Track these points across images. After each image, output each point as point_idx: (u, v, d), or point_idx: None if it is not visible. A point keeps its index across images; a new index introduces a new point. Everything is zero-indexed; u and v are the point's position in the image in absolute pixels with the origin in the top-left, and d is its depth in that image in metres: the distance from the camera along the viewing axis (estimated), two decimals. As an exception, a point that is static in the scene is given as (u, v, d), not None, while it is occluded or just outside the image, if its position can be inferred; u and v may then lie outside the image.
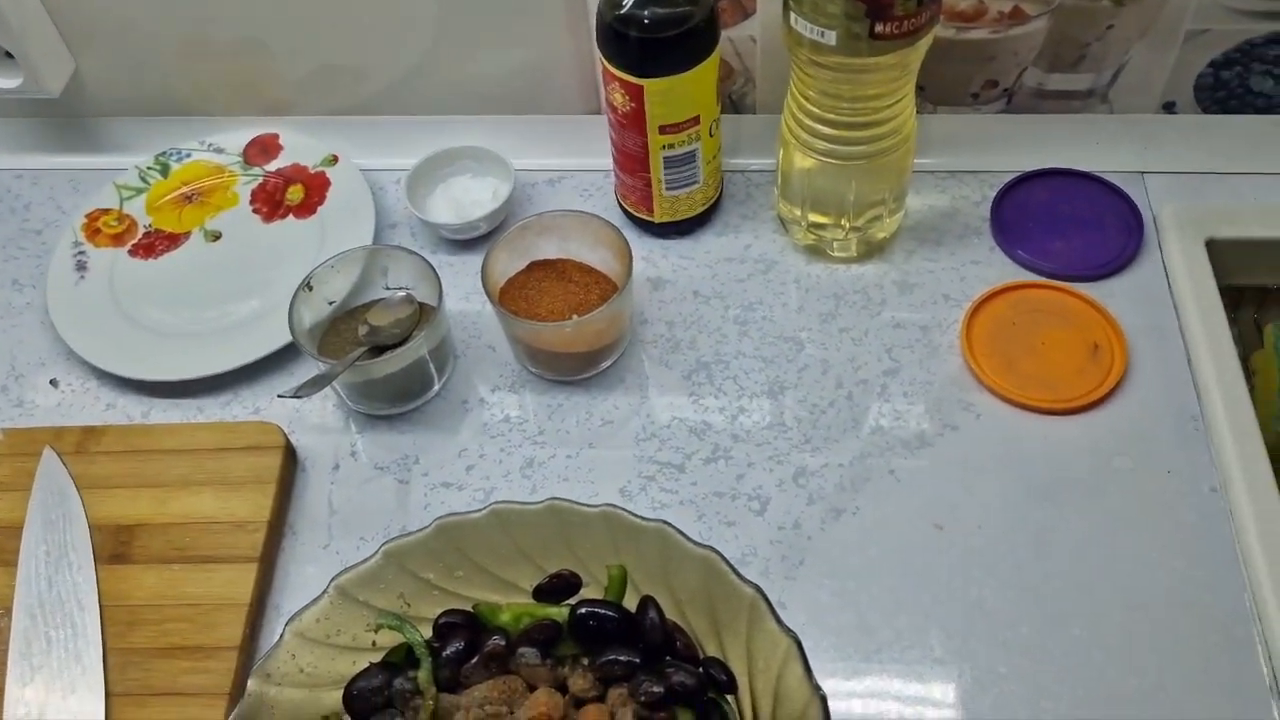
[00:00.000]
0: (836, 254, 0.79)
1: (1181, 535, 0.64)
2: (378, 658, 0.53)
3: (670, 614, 0.52)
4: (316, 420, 0.74)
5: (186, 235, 0.84)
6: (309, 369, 0.74)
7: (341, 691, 0.51)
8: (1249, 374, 0.75)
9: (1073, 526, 0.65)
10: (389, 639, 0.53)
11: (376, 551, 0.53)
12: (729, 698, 0.51)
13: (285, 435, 0.71)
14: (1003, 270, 0.78)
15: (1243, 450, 0.66)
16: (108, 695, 0.60)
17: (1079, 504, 0.66)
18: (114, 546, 0.66)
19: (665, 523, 0.51)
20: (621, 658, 0.50)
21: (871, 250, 0.79)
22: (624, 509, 0.52)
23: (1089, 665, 0.60)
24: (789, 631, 0.48)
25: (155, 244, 0.84)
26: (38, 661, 0.61)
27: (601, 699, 0.50)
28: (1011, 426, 0.70)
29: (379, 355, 0.70)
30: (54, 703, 0.59)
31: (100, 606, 0.63)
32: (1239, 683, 0.59)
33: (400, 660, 0.53)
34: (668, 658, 0.51)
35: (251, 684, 0.49)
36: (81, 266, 0.82)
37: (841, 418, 0.71)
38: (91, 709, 0.59)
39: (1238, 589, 0.62)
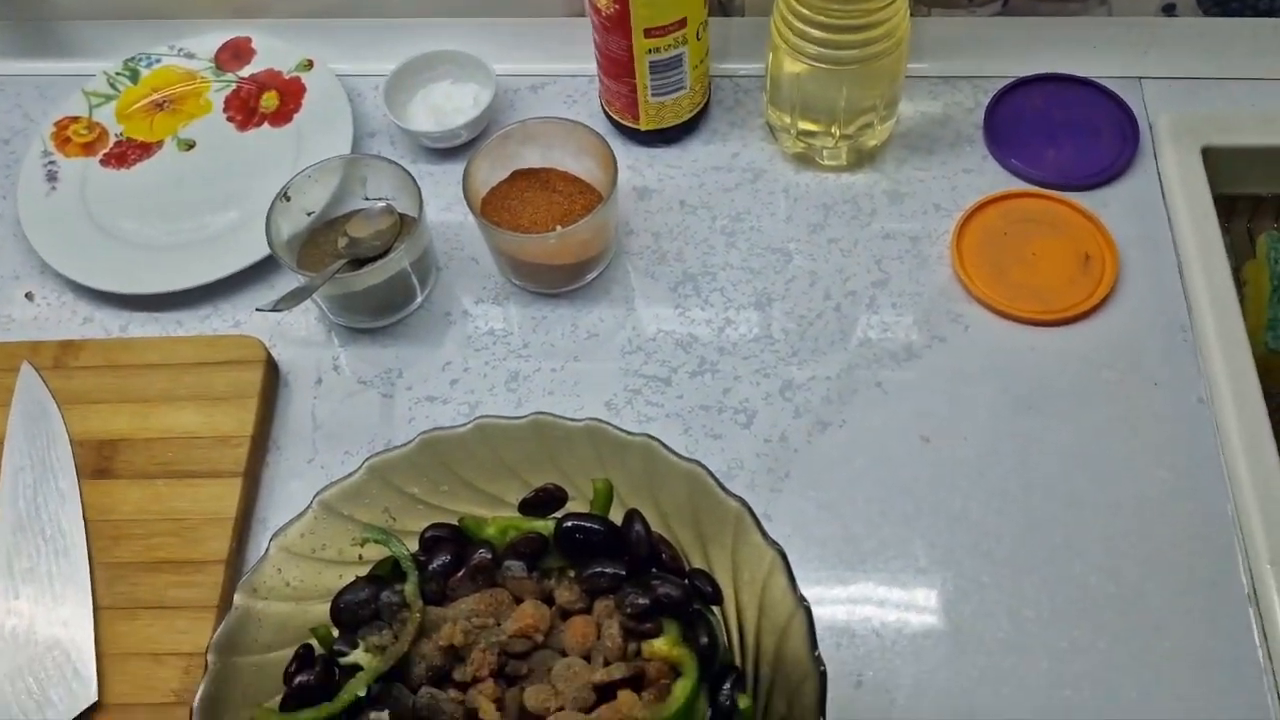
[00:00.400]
0: (826, 162, 0.77)
1: (1167, 446, 0.64)
2: (364, 571, 0.53)
3: (656, 527, 0.52)
4: (298, 334, 0.73)
5: (159, 144, 0.82)
6: (289, 281, 0.73)
7: (329, 605, 0.51)
8: (1239, 284, 0.75)
9: (1058, 438, 0.65)
10: (375, 553, 0.53)
11: (360, 466, 0.52)
12: (714, 609, 0.52)
13: (266, 349, 0.70)
14: (995, 179, 0.76)
15: (1230, 361, 0.66)
16: (96, 608, 0.60)
17: (1065, 415, 0.66)
18: (96, 461, 0.66)
19: (650, 437, 0.51)
20: (607, 570, 0.50)
21: (862, 159, 0.77)
22: (609, 423, 0.52)
23: (1070, 574, 0.60)
24: (774, 544, 0.48)
25: (127, 153, 0.81)
26: (24, 575, 0.61)
27: (588, 611, 0.51)
28: (1000, 338, 0.69)
29: (359, 268, 0.69)
30: (43, 614, 0.60)
31: (85, 521, 0.63)
32: (1218, 590, 0.59)
33: (387, 574, 0.53)
34: (653, 570, 0.51)
35: (238, 598, 0.49)
36: (52, 177, 0.80)
37: (829, 330, 0.70)
38: (80, 620, 0.60)
39: (1220, 499, 0.62)
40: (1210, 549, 0.61)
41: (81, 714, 0.57)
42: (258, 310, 0.68)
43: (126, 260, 0.75)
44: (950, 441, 0.65)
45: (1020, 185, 0.76)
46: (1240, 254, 0.82)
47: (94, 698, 0.57)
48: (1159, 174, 0.75)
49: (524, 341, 0.71)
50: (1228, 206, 0.80)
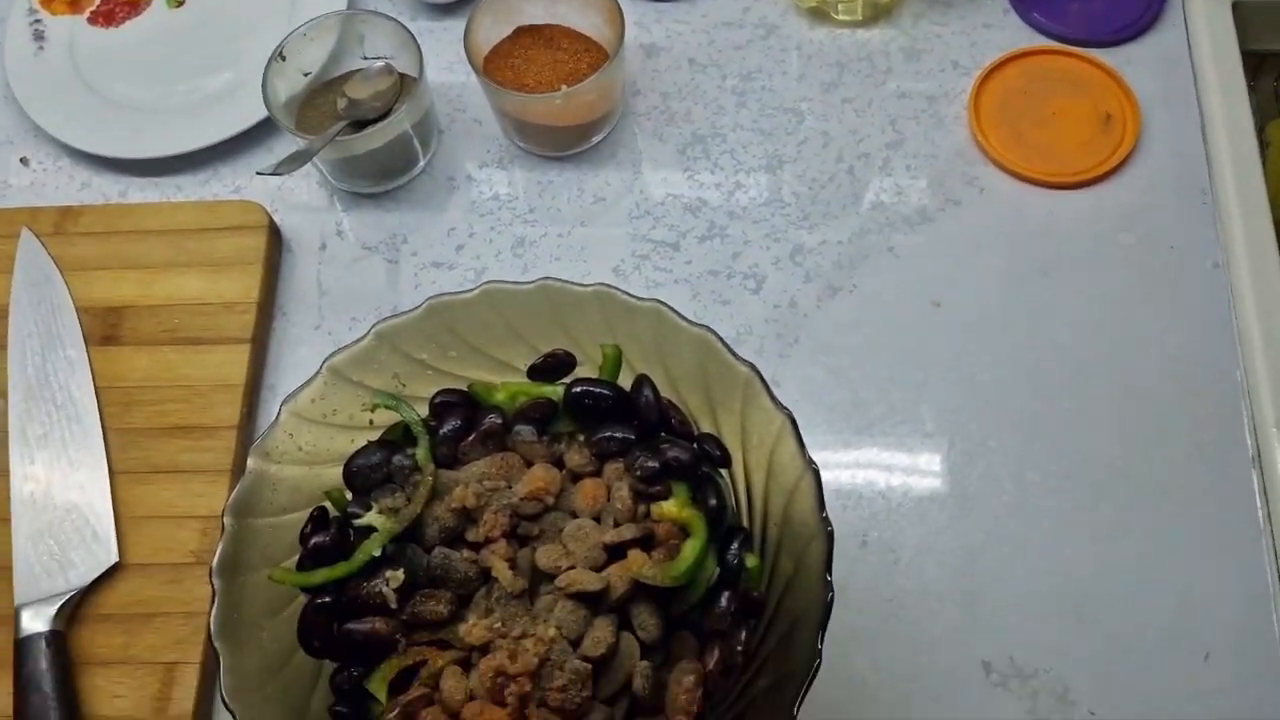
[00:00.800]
0: (841, 17, 0.74)
1: (1179, 311, 0.64)
2: (376, 436, 0.53)
3: (665, 392, 0.52)
4: (300, 199, 0.72)
5: (148, 1, 0.79)
6: (288, 145, 0.71)
7: (341, 469, 0.52)
8: (1263, 145, 0.73)
9: (1070, 303, 0.65)
10: (386, 418, 0.53)
11: (368, 332, 0.52)
12: (723, 472, 0.52)
13: (269, 215, 0.69)
14: (1016, 35, 0.73)
15: (1249, 225, 0.65)
16: (111, 473, 0.61)
17: (1079, 281, 0.65)
18: (103, 329, 0.66)
19: (660, 302, 0.50)
20: (617, 434, 0.51)
21: (878, 13, 0.74)
22: (618, 288, 0.51)
23: (1076, 439, 0.61)
24: (783, 408, 0.48)
25: (115, 11, 0.78)
26: (38, 441, 0.62)
27: (598, 474, 0.51)
28: (1015, 201, 0.68)
29: (359, 130, 0.67)
30: (59, 478, 0.61)
31: (95, 388, 0.63)
32: (1222, 454, 0.60)
33: (398, 438, 0.53)
34: (662, 434, 0.52)
35: (251, 462, 0.50)
36: (39, 36, 0.77)
37: (841, 193, 0.69)
38: (97, 484, 0.60)
39: (1230, 365, 0.62)
40: (1217, 413, 0.61)
41: (103, 575, 0.58)
42: (258, 174, 0.67)
43: (121, 124, 0.73)
44: (961, 307, 0.65)
45: (1042, 41, 0.73)
46: (1265, 113, 0.80)
47: (114, 559, 0.59)
48: (1186, 27, 0.72)
49: (529, 206, 0.70)
50: (1254, 63, 0.77)
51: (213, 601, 0.46)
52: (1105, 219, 0.67)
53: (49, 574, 0.58)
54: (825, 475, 0.58)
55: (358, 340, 0.52)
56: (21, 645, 0.55)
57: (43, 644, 0.55)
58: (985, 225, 0.67)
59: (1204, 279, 0.65)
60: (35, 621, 0.56)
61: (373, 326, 0.52)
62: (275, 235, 0.69)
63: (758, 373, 0.48)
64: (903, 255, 0.67)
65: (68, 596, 0.57)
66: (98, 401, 0.63)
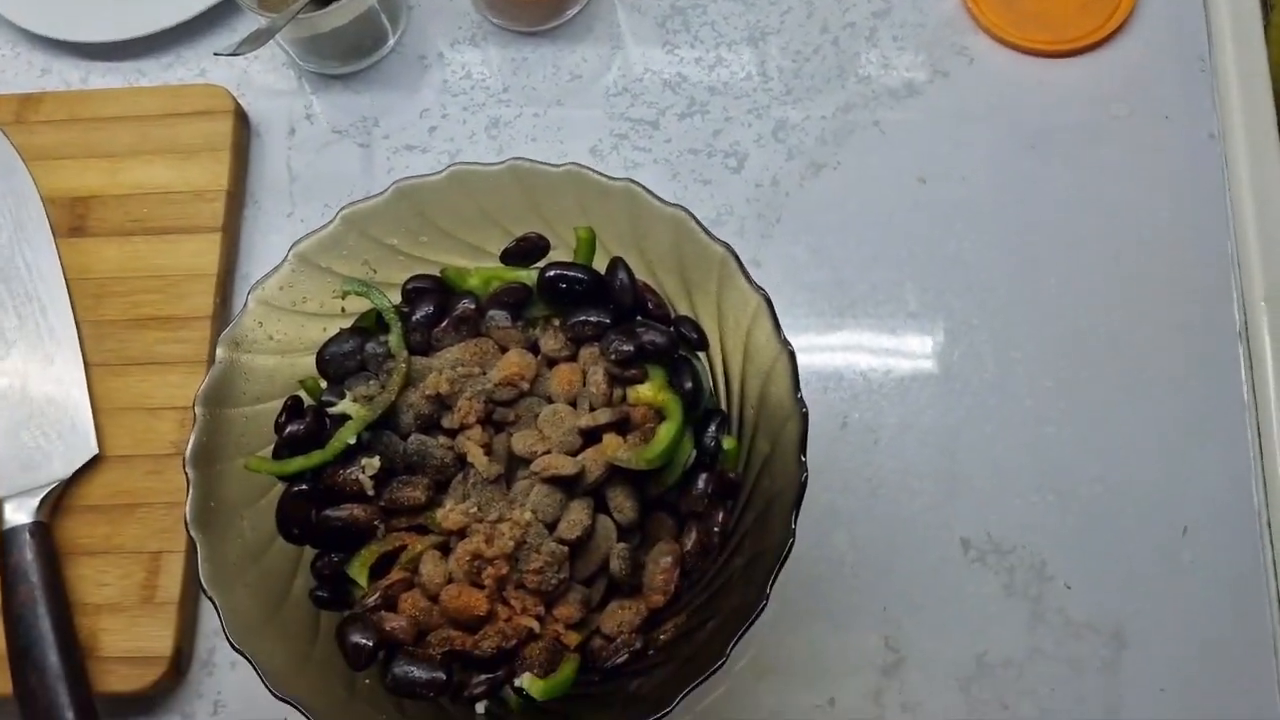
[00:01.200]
0: (827, -122, 0.70)
1: (1171, 184, 0.62)
2: (348, 324, 0.52)
3: (641, 275, 0.51)
4: (267, 82, 0.69)
5: None
6: (251, 26, 0.68)
7: (314, 357, 0.51)
8: (1266, 9, 0.70)
9: (1061, 177, 0.63)
10: (358, 305, 0.52)
11: (334, 217, 0.51)
12: (700, 355, 0.52)
13: (234, 99, 0.66)
14: (1011, -107, 0.70)
15: (1248, 93, 0.63)
16: (86, 366, 0.60)
17: (1070, 154, 0.63)
18: (70, 220, 0.64)
19: (633, 181, 0.49)
20: (592, 318, 0.50)
21: (866, -128, 0.70)
22: (590, 168, 0.50)
23: (1061, 315, 0.60)
24: (759, 289, 0.47)
25: (64, -118, 0.74)
26: (11, 336, 0.61)
27: (573, 359, 0.51)
28: (1006, 72, 0.65)
29: (324, 6, 0.64)
30: (35, 372, 0.60)
31: (65, 280, 0.62)
32: (1209, 329, 0.59)
33: (371, 325, 0.52)
34: (638, 318, 0.51)
35: (220, 351, 0.49)
36: (-15, -89, 0.73)
37: (826, 66, 0.66)
38: (73, 376, 0.60)
39: (1221, 237, 0.61)
40: (1205, 287, 0.60)
41: (84, 467, 0.58)
42: (216, 55, 0.65)
43: (79, 6, 0.70)
44: (948, 183, 0.63)
45: (1039, -101, 0.69)
46: (1271, -25, 0.77)
47: (94, 451, 0.58)
48: (1191, -117, 0.69)
49: (504, 85, 0.68)
50: (1263, -79, 0.74)
51: (188, 491, 0.46)
52: (1098, 89, 0.65)
53: (29, 467, 0.58)
54: (806, 357, 0.58)
55: (324, 226, 0.51)
56: (6, 538, 0.55)
57: (27, 536, 0.55)
58: (975, 98, 0.65)
59: (1198, 150, 0.63)
60: (18, 514, 0.56)
61: (339, 211, 0.51)
62: (242, 120, 0.67)
63: (733, 253, 0.47)
64: (889, 131, 0.65)
65: (49, 489, 0.57)
66: (69, 294, 0.62)
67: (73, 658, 0.53)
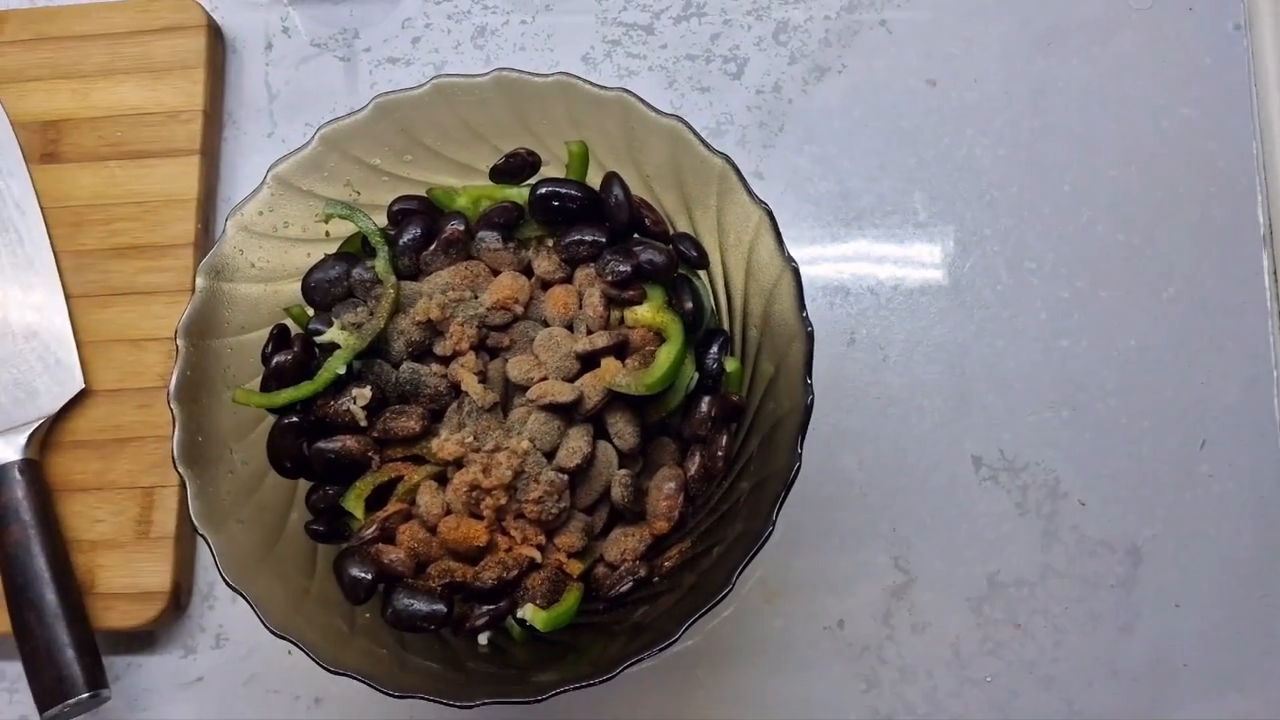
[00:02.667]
0: None
1: (1194, 80, 0.59)
2: (333, 249, 0.50)
3: (637, 190, 0.49)
4: (241, -8, 0.66)
5: None
6: (221, -68, 0.65)
7: (300, 284, 0.49)
8: (1298, -111, 0.66)
9: (1077, 75, 0.60)
10: (343, 229, 0.50)
11: (313, 136, 0.48)
12: (700, 273, 0.49)
13: (206, 12, 0.63)
14: None
15: (1277, -20, 0.59)
16: (67, 297, 0.58)
17: (1087, 50, 0.60)
18: (42, 145, 0.61)
19: (626, 91, 0.46)
20: (587, 237, 0.48)
21: None
22: (581, 77, 0.47)
23: (1077, 222, 0.58)
24: (760, 203, 0.44)
25: None
26: (-12, 267, 0.59)
27: (568, 280, 0.49)
28: (1020, -36, 0.62)
29: (295, -90, 0.60)
30: (14, 304, 0.58)
31: (41, 209, 0.60)
32: (1232, 233, 0.57)
33: (357, 250, 0.50)
34: (636, 236, 0.49)
35: (200, 280, 0.47)
36: None
37: (829, -38, 0.63)
38: (54, 308, 0.58)
39: (1245, 137, 0.58)
40: (1229, 190, 0.57)
41: (72, 402, 0.57)
42: None
43: (36, -86, 0.66)
44: (958, 85, 0.60)
45: None
46: None
47: (80, 385, 0.57)
48: None
49: (489, -9, 0.64)
50: None
51: (174, 426, 0.45)
52: (1119, -20, 0.61)
53: (16, 403, 0.56)
54: (812, 271, 0.56)
55: (303, 146, 0.48)
56: (-4, 475, 0.54)
57: (16, 473, 0.54)
58: (987, -8, 0.62)
59: (1223, 42, 0.60)
60: (7, 450, 0.55)
61: (318, 130, 0.48)
62: (216, 35, 0.64)
63: (733, 165, 0.45)
64: (896, 30, 0.61)
65: (37, 424, 0.56)
66: (45, 222, 0.60)
67: (70, 595, 0.53)
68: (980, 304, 0.57)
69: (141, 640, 0.56)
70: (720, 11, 0.62)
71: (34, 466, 0.55)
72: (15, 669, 0.53)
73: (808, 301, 0.43)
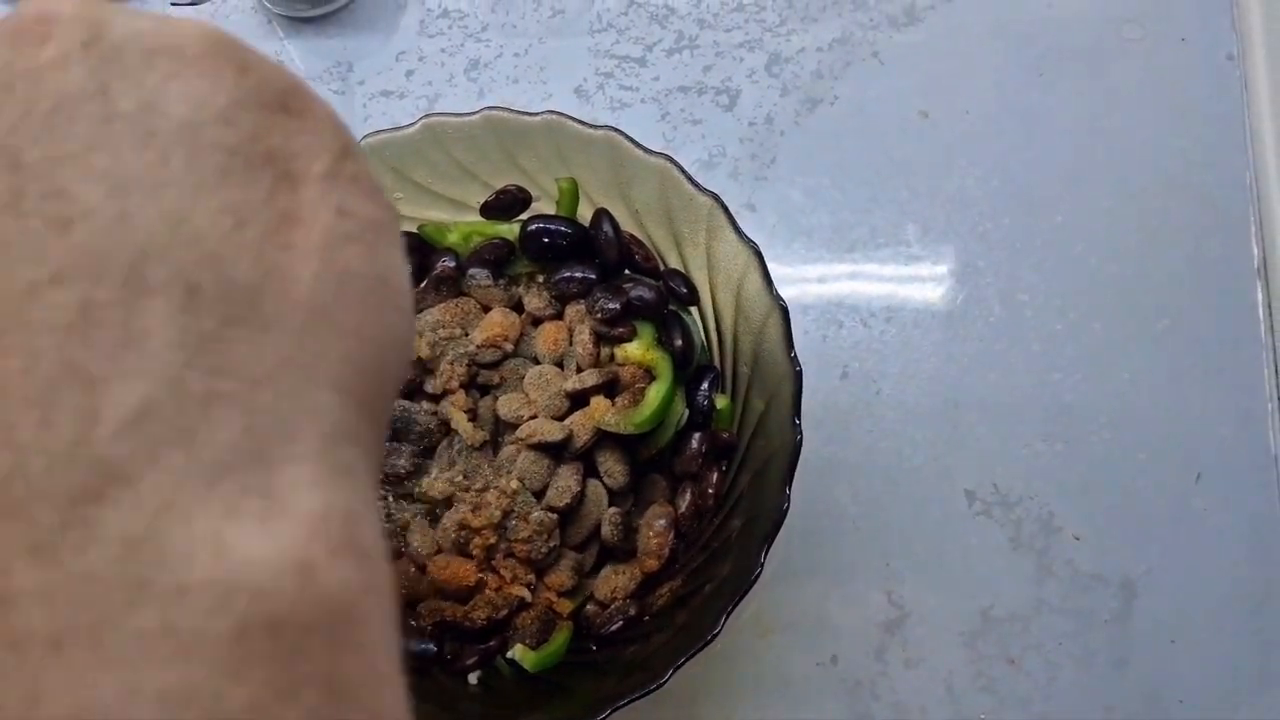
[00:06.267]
0: None
1: (1187, 111, 0.59)
2: (324, 285, 0.50)
3: (627, 226, 0.49)
4: (234, 26, 0.66)
5: None
6: (216, -34, 0.65)
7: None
8: (1290, -82, 0.66)
9: (1070, 107, 0.60)
10: (334, 266, 0.50)
11: (304, 175, 0.48)
12: (690, 310, 0.49)
13: (202, 46, 0.63)
14: None
15: (1269, 12, 0.59)
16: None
17: (1079, 82, 0.60)
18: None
19: (614, 129, 0.46)
20: (577, 274, 0.48)
21: None
22: (569, 116, 0.47)
23: (1069, 256, 0.57)
24: (749, 242, 0.44)
25: None
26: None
27: (558, 317, 0.49)
28: (1012, -6, 0.62)
29: (289, -55, 0.61)
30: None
31: None
32: (1225, 265, 0.57)
33: (348, 287, 0.50)
34: (626, 272, 0.49)
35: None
36: None
37: (821, -6, 0.63)
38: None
39: (1239, 168, 0.58)
40: (1222, 221, 0.57)
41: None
42: (173, 5, 0.61)
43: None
44: (951, 116, 0.60)
45: None
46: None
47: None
48: None
49: (482, 24, 0.64)
50: None
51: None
52: (1111, 10, 0.61)
53: None
54: (805, 303, 0.56)
55: (293, 184, 0.48)
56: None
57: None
58: (980, 22, 0.62)
59: (1216, 73, 0.60)
60: None
61: (308, 169, 0.48)
62: (211, 68, 0.64)
63: (721, 203, 0.45)
64: (888, 61, 0.61)
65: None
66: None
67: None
68: (973, 336, 0.57)
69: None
70: (713, 44, 0.62)
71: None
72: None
73: (800, 334, 0.43)
